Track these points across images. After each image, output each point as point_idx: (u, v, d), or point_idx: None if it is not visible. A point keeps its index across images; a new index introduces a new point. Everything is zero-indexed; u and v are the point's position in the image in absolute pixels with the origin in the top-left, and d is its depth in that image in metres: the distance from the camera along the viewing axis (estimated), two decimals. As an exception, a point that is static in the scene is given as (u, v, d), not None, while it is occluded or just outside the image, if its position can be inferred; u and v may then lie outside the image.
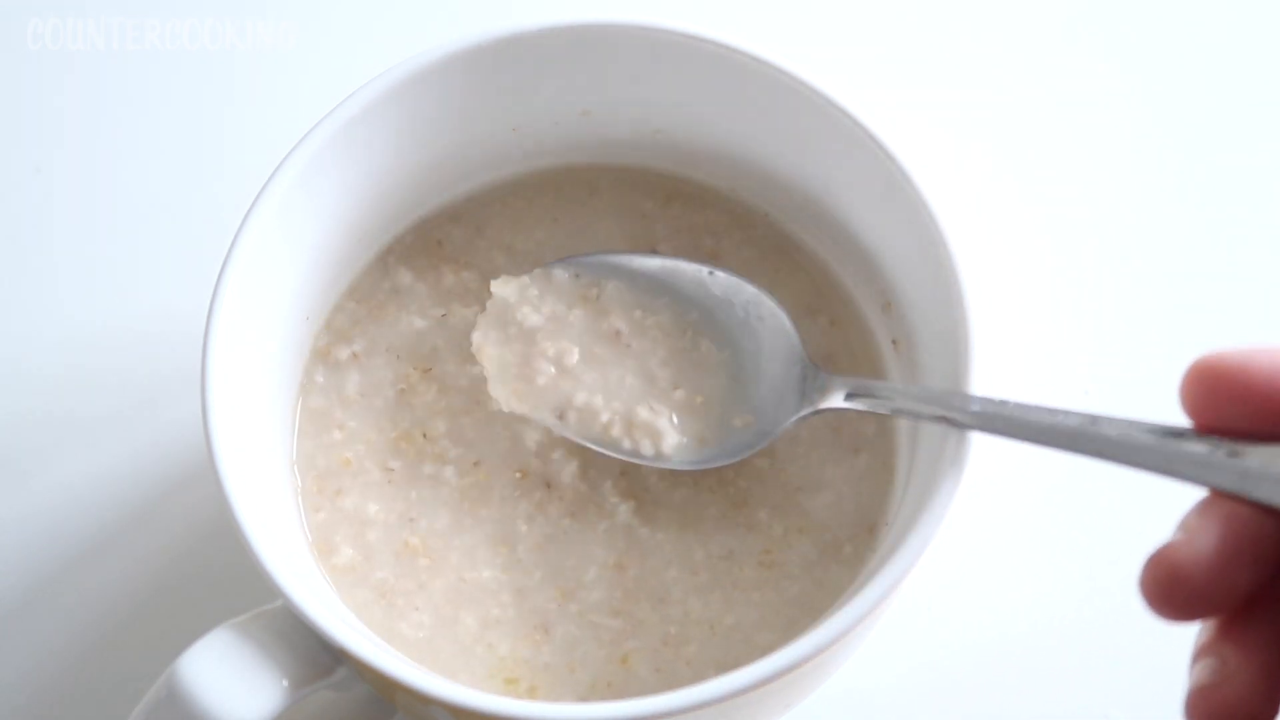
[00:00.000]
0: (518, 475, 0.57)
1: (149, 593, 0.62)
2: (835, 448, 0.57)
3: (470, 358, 0.58)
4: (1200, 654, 0.43)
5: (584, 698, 0.54)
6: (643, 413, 0.56)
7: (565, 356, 0.57)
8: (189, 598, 0.62)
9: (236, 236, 0.53)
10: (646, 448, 0.56)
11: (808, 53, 0.64)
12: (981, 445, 0.50)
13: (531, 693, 0.54)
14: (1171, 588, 0.42)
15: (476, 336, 0.57)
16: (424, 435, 0.58)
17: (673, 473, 0.57)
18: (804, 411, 0.55)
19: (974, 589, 0.63)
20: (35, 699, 0.61)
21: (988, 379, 0.51)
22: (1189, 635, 0.44)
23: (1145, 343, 0.67)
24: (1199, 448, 0.43)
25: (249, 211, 0.53)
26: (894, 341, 0.58)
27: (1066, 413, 0.46)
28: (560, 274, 0.58)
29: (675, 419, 0.56)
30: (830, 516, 0.56)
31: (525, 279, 0.58)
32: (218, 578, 0.61)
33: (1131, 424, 0.45)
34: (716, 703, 0.46)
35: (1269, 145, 0.72)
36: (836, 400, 0.54)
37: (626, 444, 0.56)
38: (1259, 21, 0.75)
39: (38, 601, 0.62)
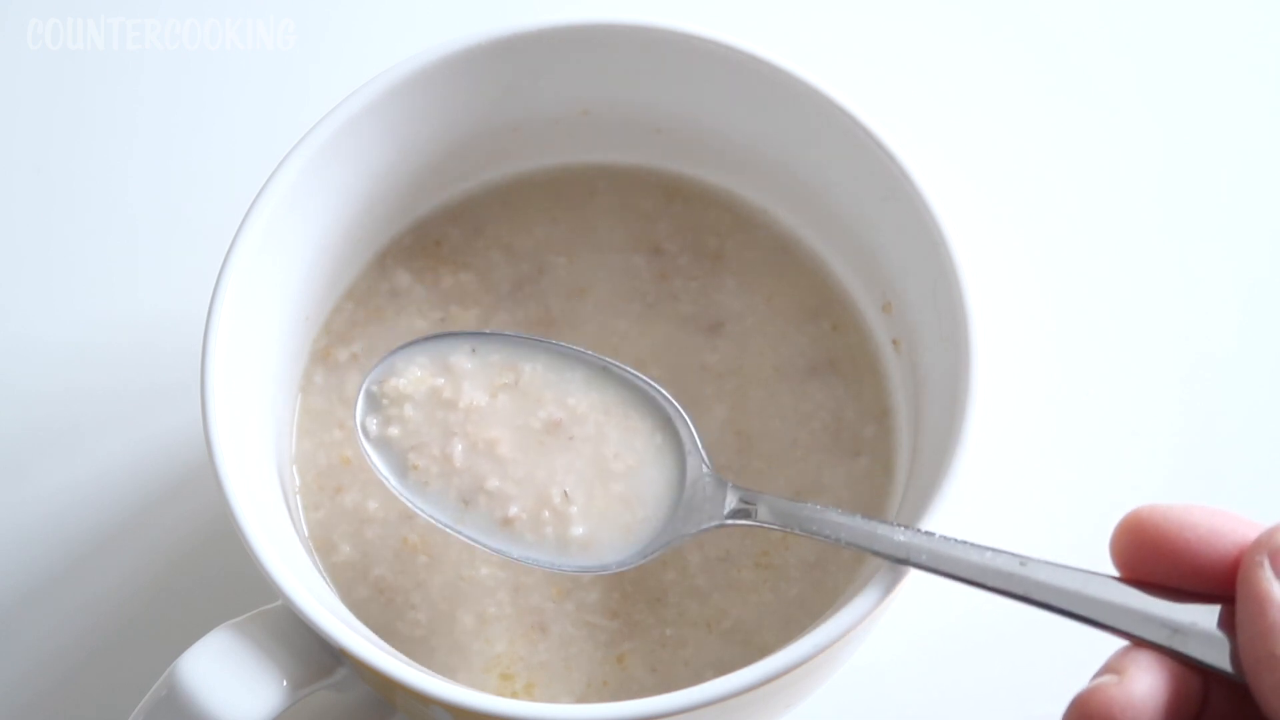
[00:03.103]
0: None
1: (149, 593, 0.62)
2: (835, 450, 0.57)
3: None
4: None
5: (581, 697, 0.54)
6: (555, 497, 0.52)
7: (496, 446, 0.53)
8: (189, 598, 0.62)
9: (236, 237, 0.53)
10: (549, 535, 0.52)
11: (808, 53, 0.64)
12: (981, 447, 0.50)
13: (528, 690, 0.54)
14: None
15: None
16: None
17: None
18: (707, 525, 0.51)
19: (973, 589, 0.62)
20: (36, 699, 0.61)
21: (988, 378, 0.51)
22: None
23: (1149, 343, 0.67)
24: (1130, 600, 0.42)
25: (248, 212, 0.53)
26: (894, 341, 0.58)
27: (996, 552, 0.45)
28: (458, 359, 0.54)
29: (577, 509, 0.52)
30: (830, 518, 0.56)
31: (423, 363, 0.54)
32: (218, 578, 0.61)
33: (1061, 569, 0.43)
34: (715, 703, 0.46)
35: (1271, 147, 0.72)
36: (745, 518, 0.50)
37: (529, 536, 0.52)
38: (1265, 30, 0.74)
39: (39, 602, 0.62)
